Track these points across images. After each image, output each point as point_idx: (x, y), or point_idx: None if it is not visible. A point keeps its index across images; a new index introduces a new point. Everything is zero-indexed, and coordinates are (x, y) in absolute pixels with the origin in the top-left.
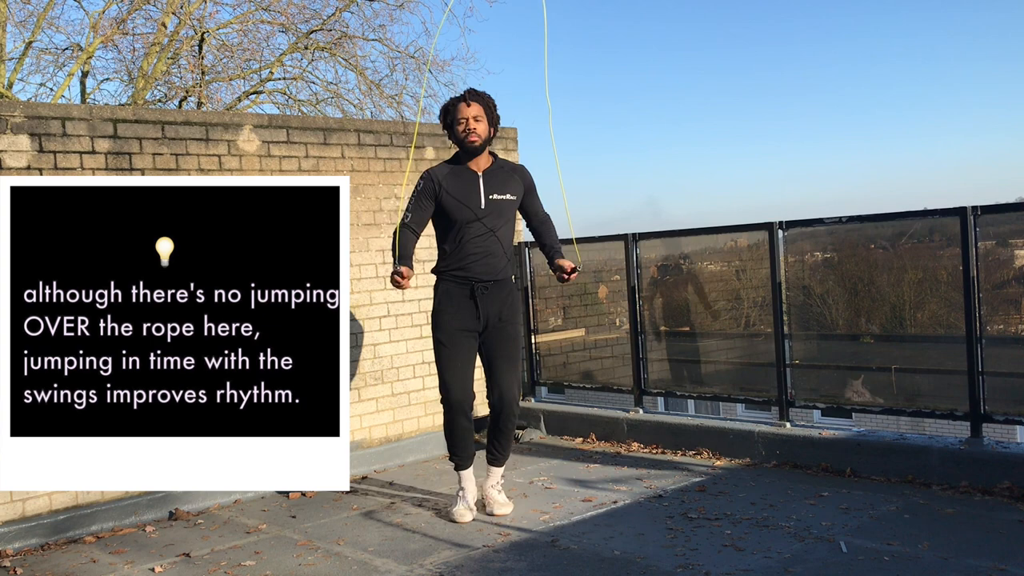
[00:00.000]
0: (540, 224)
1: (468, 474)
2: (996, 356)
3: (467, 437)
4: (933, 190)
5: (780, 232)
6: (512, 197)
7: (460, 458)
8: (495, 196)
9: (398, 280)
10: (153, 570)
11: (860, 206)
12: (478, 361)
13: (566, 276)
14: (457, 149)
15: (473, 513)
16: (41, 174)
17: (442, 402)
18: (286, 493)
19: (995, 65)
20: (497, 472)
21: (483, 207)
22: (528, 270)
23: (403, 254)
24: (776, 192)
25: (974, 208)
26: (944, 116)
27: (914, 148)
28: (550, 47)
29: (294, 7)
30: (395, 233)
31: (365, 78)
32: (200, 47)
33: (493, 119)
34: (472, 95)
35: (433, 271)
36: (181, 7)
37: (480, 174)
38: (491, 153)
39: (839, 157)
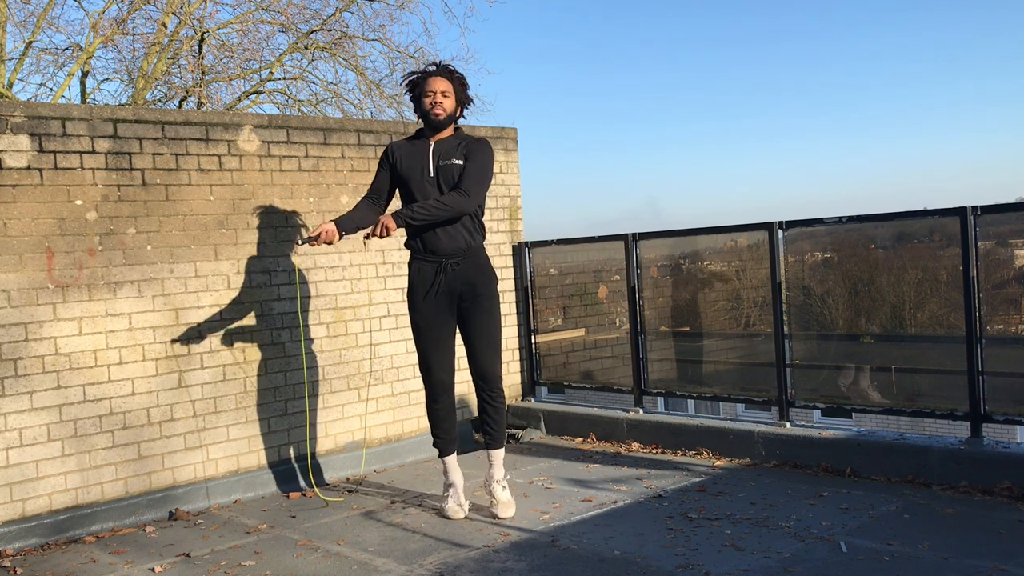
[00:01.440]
0: (451, 190)
1: (453, 463)
2: (996, 356)
3: (450, 417)
4: (933, 190)
5: (780, 232)
6: (458, 162)
7: (443, 440)
8: (443, 162)
9: (314, 236)
10: (153, 570)
11: (860, 206)
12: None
13: (369, 234)
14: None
15: (465, 510)
16: (41, 174)
17: (424, 383)
18: (286, 493)
19: (995, 65)
20: (498, 459)
21: (431, 174)
22: (528, 270)
23: (344, 215)
24: (776, 192)
25: (974, 208)
26: (944, 116)
27: (914, 148)
28: (550, 46)
29: (294, 7)
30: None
31: (365, 78)
32: (200, 47)
33: (462, 98)
34: (442, 69)
35: (405, 245)
36: (181, 7)
37: (432, 143)
38: (458, 130)
39: (839, 157)
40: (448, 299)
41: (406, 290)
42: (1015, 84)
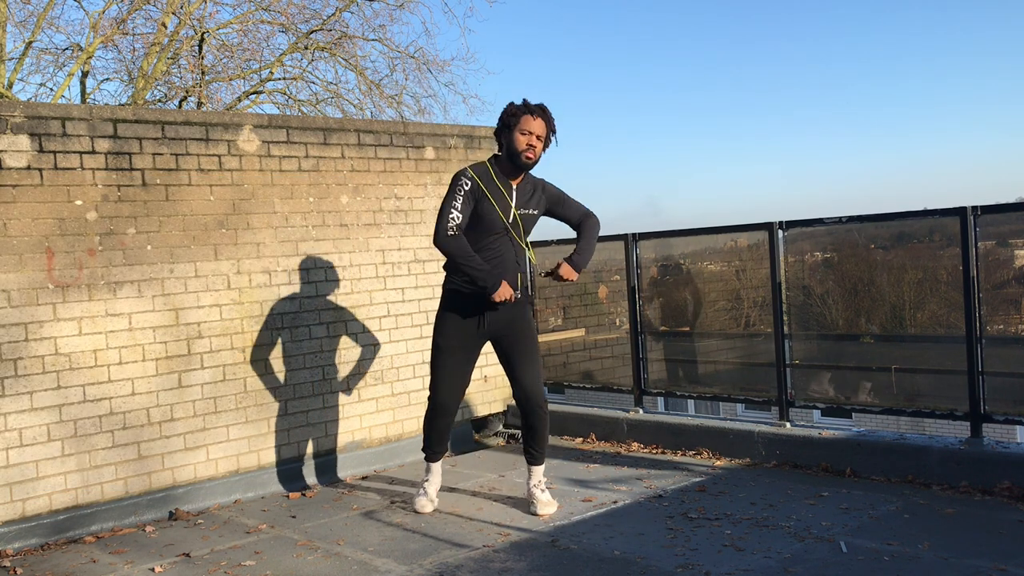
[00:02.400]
0: (579, 223)
1: (436, 467)
2: (996, 356)
3: (444, 435)
4: (933, 190)
5: (780, 232)
6: (535, 212)
7: (434, 452)
8: (523, 211)
9: (507, 294)
10: (153, 570)
11: (860, 206)
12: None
13: (557, 278)
14: (498, 153)
15: (434, 504)
16: (41, 174)
17: (428, 399)
18: (286, 493)
19: (996, 65)
20: (538, 471)
21: (510, 220)
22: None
23: (478, 263)
24: (776, 192)
25: (974, 208)
26: (944, 116)
27: (914, 148)
28: (550, 46)
29: (294, 7)
30: (450, 246)
31: (365, 78)
32: (200, 47)
33: (548, 143)
34: (542, 111)
35: (445, 267)
36: (181, 7)
37: (515, 186)
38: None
39: (839, 157)
40: (477, 332)
41: (438, 312)
42: (1015, 84)
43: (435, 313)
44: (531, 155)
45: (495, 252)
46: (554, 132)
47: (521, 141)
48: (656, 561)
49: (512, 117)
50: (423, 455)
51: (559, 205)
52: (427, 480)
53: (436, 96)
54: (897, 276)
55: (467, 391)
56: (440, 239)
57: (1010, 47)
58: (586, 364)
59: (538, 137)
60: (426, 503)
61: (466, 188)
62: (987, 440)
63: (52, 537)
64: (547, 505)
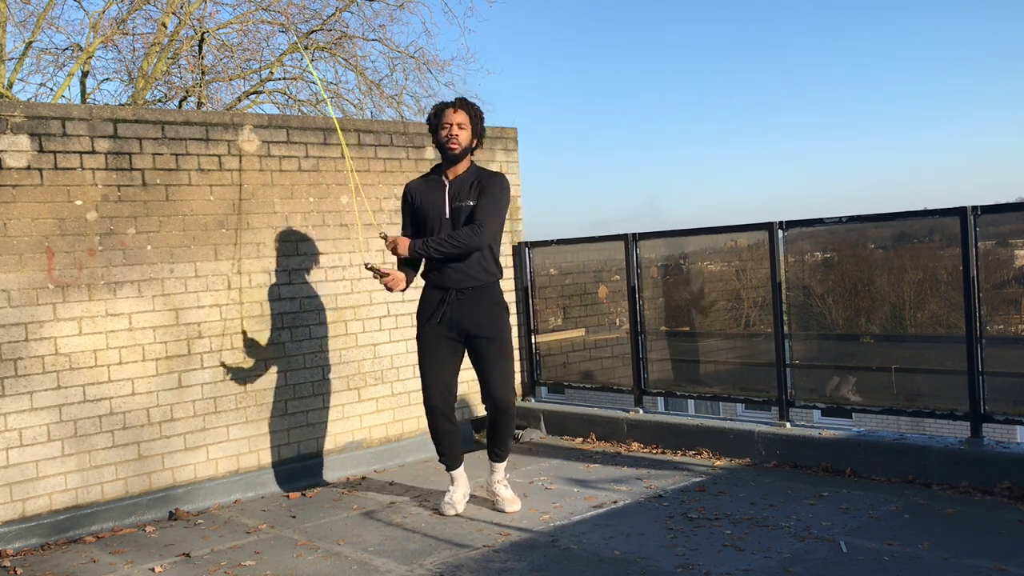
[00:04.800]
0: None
1: (459, 475)
2: (996, 356)
3: (451, 438)
4: (933, 190)
5: (780, 232)
6: (471, 203)
7: (448, 458)
8: (457, 204)
9: (377, 268)
10: (153, 570)
11: (860, 206)
12: (466, 362)
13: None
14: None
15: (456, 509)
16: (41, 174)
17: (424, 405)
18: (286, 493)
19: (995, 65)
20: (500, 468)
21: (447, 216)
22: (528, 270)
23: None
24: (776, 192)
25: (974, 208)
26: (944, 116)
27: (914, 148)
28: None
29: (294, 7)
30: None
31: (365, 78)
32: (200, 47)
33: (478, 130)
34: (461, 103)
35: (421, 275)
36: (181, 7)
37: (448, 182)
38: (474, 163)
39: (839, 157)
40: (454, 332)
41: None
42: (1015, 84)
43: None
44: (454, 144)
45: None
46: (480, 118)
47: (442, 134)
48: (656, 561)
49: (433, 119)
50: (435, 451)
51: (480, 196)
52: (451, 487)
53: (436, 96)
54: (897, 276)
55: (467, 391)
56: None
57: (1010, 47)
58: (586, 364)
59: (459, 125)
60: (447, 506)
61: (402, 203)
62: (987, 440)
63: (52, 537)
64: (511, 502)
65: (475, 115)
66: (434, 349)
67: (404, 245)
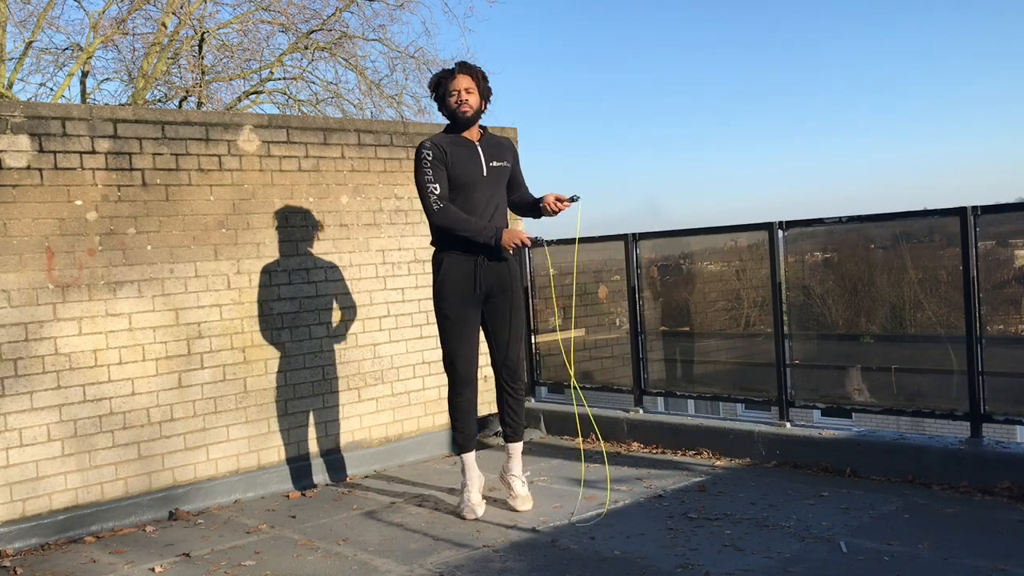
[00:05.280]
0: (524, 192)
1: (471, 460)
2: (996, 356)
3: (471, 412)
4: (933, 190)
5: (780, 232)
6: (507, 164)
7: (464, 436)
8: (494, 163)
9: (519, 238)
10: (153, 570)
11: (860, 206)
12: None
13: (561, 202)
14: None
15: (476, 513)
16: (41, 174)
17: (448, 377)
18: (286, 493)
19: (995, 65)
20: (517, 452)
21: (485, 175)
22: (528, 270)
23: (475, 223)
24: (776, 192)
25: (974, 208)
26: (944, 116)
27: (914, 148)
28: (550, 46)
29: (294, 7)
30: (444, 219)
31: (365, 78)
32: (200, 47)
33: (484, 91)
34: (463, 67)
35: (433, 243)
36: (181, 7)
37: (477, 143)
38: (480, 125)
39: (839, 157)
40: (477, 295)
41: (435, 285)
42: (1015, 84)
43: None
44: (466, 108)
45: (476, 211)
46: (485, 79)
47: (451, 101)
48: (656, 561)
49: (438, 87)
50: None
51: (516, 164)
52: (466, 484)
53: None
54: (897, 276)
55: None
56: (433, 216)
57: (1010, 47)
58: (586, 364)
59: (467, 90)
60: (471, 508)
61: (429, 158)
62: (987, 440)
63: (52, 537)
64: (525, 500)
65: (479, 76)
66: (463, 317)
67: (519, 231)
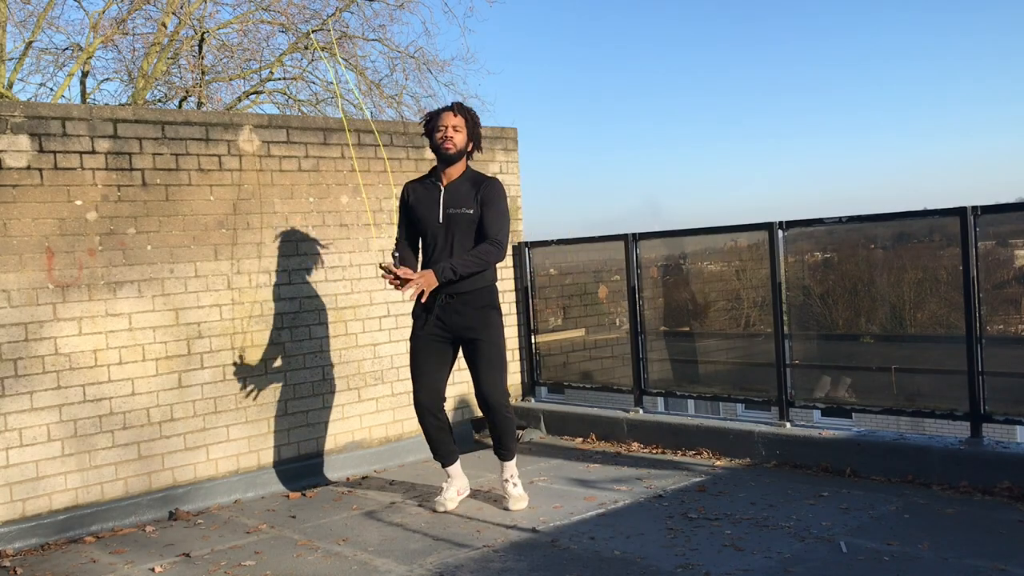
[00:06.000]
0: (484, 239)
1: (454, 470)
2: (996, 356)
3: (441, 436)
4: (933, 190)
5: (780, 232)
6: (469, 211)
7: (441, 456)
8: (452, 210)
9: (388, 268)
10: (153, 570)
11: (860, 206)
12: (460, 363)
13: (395, 279)
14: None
15: (445, 507)
16: (41, 174)
17: (413, 403)
18: (286, 493)
19: (995, 64)
20: (509, 466)
21: (440, 221)
22: (528, 270)
23: (402, 256)
24: (776, 192)
25: (974, 208)
26: (944, 116)
27: (914, 148)
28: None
29: (294, 7)
30: (394, 255)
31: (365, 78)
32: (200, 47)
33: (474, 134)
34: (456, 107)
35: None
36: (181, 7)
37: (444, 187)
38: (469, 167)
39: (839, 157)
40: (445, 333)
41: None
42: (1015, 84)
43: None
44: (449, 145)
45: (436, 254)
46: (476, 123)
47: (438, 136)
48: (656, 561)
49: (428, 124)
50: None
51: (484, 208)
52: (444, 483)
53: (436, 96)
54: (897, 276)
55: (467, 391)
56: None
57: (1010, 47)
58: (586, 364)
59: (454, 128)
60: (441, 501)
61: (399, 202)
62: (987, 440)
63: (52, 537)
64: (518, 500)
65: (471, 119)
66: (424, 349)
67: (430, 276)
